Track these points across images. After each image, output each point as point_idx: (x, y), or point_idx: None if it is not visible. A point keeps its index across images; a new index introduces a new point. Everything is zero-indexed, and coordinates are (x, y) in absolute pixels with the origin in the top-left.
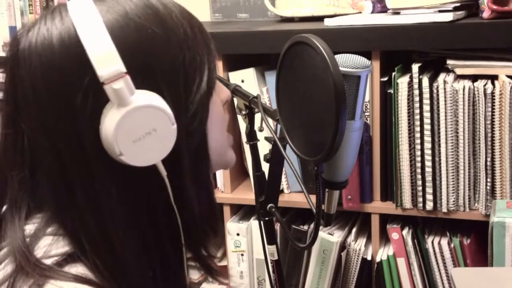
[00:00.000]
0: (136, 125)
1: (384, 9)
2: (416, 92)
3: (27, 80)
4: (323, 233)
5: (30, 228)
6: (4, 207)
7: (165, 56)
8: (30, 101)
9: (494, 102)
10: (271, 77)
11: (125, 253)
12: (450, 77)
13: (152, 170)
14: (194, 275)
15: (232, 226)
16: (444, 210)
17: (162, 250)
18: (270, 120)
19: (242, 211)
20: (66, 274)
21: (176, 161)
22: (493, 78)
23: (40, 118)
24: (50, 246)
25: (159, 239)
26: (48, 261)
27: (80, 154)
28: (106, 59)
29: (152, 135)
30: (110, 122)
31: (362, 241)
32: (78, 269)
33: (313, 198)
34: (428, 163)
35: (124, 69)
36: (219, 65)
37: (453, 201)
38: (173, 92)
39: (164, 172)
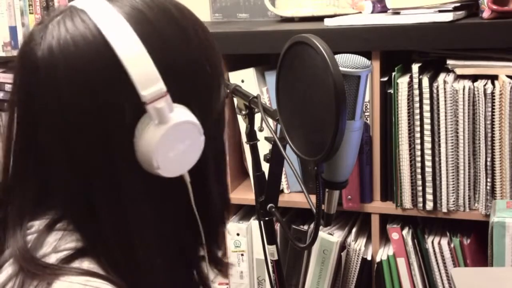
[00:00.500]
0: (174, 140)
1: (384, 9)
2: (416, 92)
3: (50, 92)
4: (323, 233)
5: (38, 224)
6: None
7: (190, 68)
8: (53, 113)
9: (494, 102)
10: (271, 77)
11: (144, 257)
12: (450, 77)
13: (179, 178)
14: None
15: (232, 226)
16: (444, 210)
17: (181, 251)
18: (270, 120)
19: (242, 211)
20: (76, 269)
21: (201, 167)
22: (493, 78)
23: (63, 132)
24: (59, 241)
25: (179, 241)
26: (57, 256)
27: (107, 166)
28: (148, 79)
29: (185, 147)
30: (151, 138)
31: (362, 241)
32: (88, 264)
33: (313, 198)
34: (428, 163)
35: (165, 88)
36: None
37: (453, 201)
38: (200, 103)
39: (188, 179)
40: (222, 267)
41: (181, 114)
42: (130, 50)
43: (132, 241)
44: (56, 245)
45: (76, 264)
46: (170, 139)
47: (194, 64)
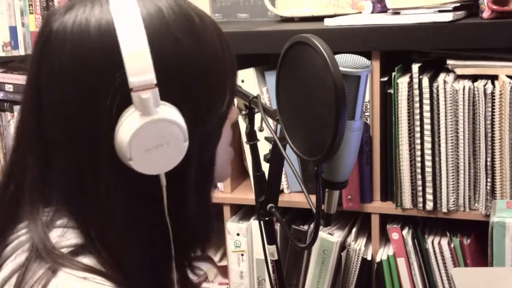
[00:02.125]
0: (152, 136)
1: (384, 9)
2: (416, 92)
3: (55, 66)
4: (323, 233)
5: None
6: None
7: (194, 74)
8: (54, 88)
9: (494, 102)
10: (271, 77)
11: (123, 252)
12: (450, 77)
13: (156, 178)
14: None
15: (232, 226)
16: (444, 210)
17: (155, 252)
18: (270, 120)
19: (242, 211)
20: (78, 263)
21: (181, 175)
22: (493, 78)
23: (62, 106)
24: (60, 238)
25: (154, 242)
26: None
27: (94, 150)
28: (140, 68)
29: (164, 147)
30: (129, 127)
31: (362, 241)
32: (88, 260)
33: (313, 198)
34: (428, 163)
35: (155, 81)
36: None
37: (453, 201)
38: (193, 110)
39: (164, 183)
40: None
41: (167, 112)
42: (131, 38)
43: (110, 235)
44: (58, 241)
45: (78, 259)
46: (149, 134)
47: (197, 69)
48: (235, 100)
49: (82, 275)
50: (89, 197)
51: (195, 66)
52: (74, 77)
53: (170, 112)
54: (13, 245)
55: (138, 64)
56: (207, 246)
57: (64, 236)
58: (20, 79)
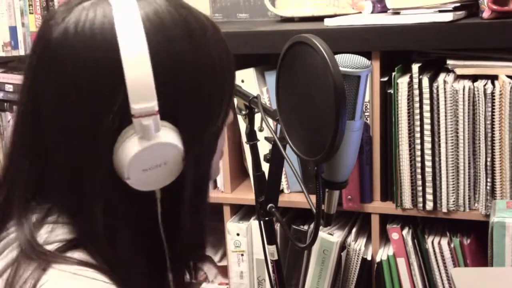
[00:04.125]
0: (151, 158)
1: (384, 9)
2: (416, 92)
3: (54, 73)
4: (323, 233)
5: (35, 217)
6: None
7: (192, 89)
8: (52, 95)
9: (494, 102)
10: (271, 77)
11: (123, 255)
12: (450, 77)
13: (151, 193)
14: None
15: (232, 226)
16: (444, 210)
17: (152, 257)
18: (270, 120)
19: (242, 211)
20: (69, 258)
21: (178, 188)
22: (493, 78)
23: (60, 118)
24: (51, 233)
25: (149, 255)
26: (49, 247)
27: (91, 163)
28: (143, 95)
29: (161, 167)
30: (128, 149)
31: (362, 241)
32: (79, 254)
33: (313, 198)
34: (428, 163)
35: (156, 108)
36: None
37: (453, 201)
38: (190, 125)
39: (158, 196)
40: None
41: (166, 136)
42: (136, 65)
43: (108, 238)
44: (47, 237)
45: (68, 254)
46: (148, 156)
47: (196, 85)
48: (235, 100)
49: (72, 269)
50: (85, 204)
51: (192, 83)
52: (74, 89)
53: (169, 135)
54: (4, 242)
55: (141, 92)
56: (203, 254)
57: (54, 232)
58: (20, 79)
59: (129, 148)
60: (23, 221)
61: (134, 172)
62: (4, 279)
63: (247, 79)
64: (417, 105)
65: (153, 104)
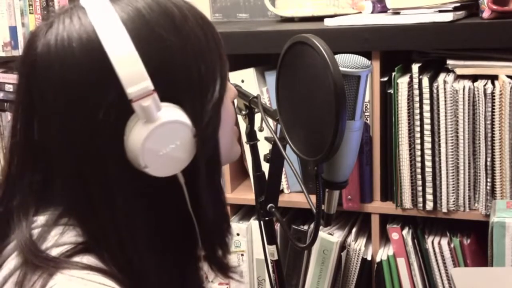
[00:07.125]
0: (162, 140)
1: (384, 9)
2: (416, 92)
3: (46, 88)
4: (323, 233)
5: (41, 219)
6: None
7: (183, 68)
8: (48, 109)
9: (494, 102)
10: (271, 77)
11: (136, 257)
12: (450, 77)
13: (171, 179)
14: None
15: (232, 226)
16: (444, 210)
17: (178, 252)
18: (270, 120)
19: (242, 211)
20: (77, 263)
21: (192, 169)
22: (493, 78)
23: (59, 127)
24: (61, 236)
25: (175, 242)
26: (58, 250)
27: (99, 162)
28: (135, 77)
29: (175, 147)
30: (137, 136)
31: (362, 241)
32: (89, 258)
33: (313, 198)
34: (428, 163)
35: (152, 87)
36: None
37: (453, 201)
38: (190, 103)
39: (182, 180)
40: (226, 271)
41: (170, 114)
42: (119, 49)
43: (123, 239)
44: (58, 239)
45: (77, 258)
46: (157, 138)
47: (185, 63)
48: (235, 100)
49: (80, 274)
50: (99, 207)
51: (181, 62)
52: (68, 98)
53: (172, 113)
54: (13, 245)
55: (132, 74)
56: (228, 244)
57: (64, 234)
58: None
59: (138, 134)
60: (23, 227)
61: (150, 158)
62: (13, 282)
63: (247, 79)
64: (417, 105)
65: (147, 84)
